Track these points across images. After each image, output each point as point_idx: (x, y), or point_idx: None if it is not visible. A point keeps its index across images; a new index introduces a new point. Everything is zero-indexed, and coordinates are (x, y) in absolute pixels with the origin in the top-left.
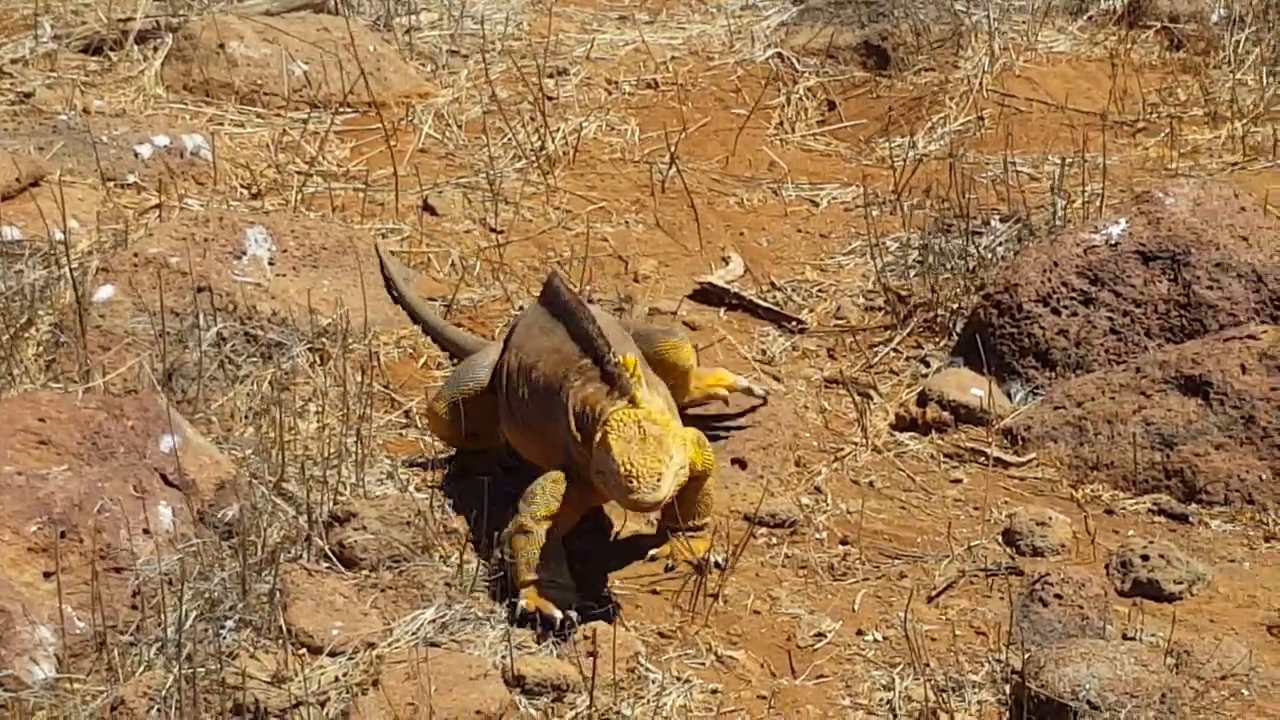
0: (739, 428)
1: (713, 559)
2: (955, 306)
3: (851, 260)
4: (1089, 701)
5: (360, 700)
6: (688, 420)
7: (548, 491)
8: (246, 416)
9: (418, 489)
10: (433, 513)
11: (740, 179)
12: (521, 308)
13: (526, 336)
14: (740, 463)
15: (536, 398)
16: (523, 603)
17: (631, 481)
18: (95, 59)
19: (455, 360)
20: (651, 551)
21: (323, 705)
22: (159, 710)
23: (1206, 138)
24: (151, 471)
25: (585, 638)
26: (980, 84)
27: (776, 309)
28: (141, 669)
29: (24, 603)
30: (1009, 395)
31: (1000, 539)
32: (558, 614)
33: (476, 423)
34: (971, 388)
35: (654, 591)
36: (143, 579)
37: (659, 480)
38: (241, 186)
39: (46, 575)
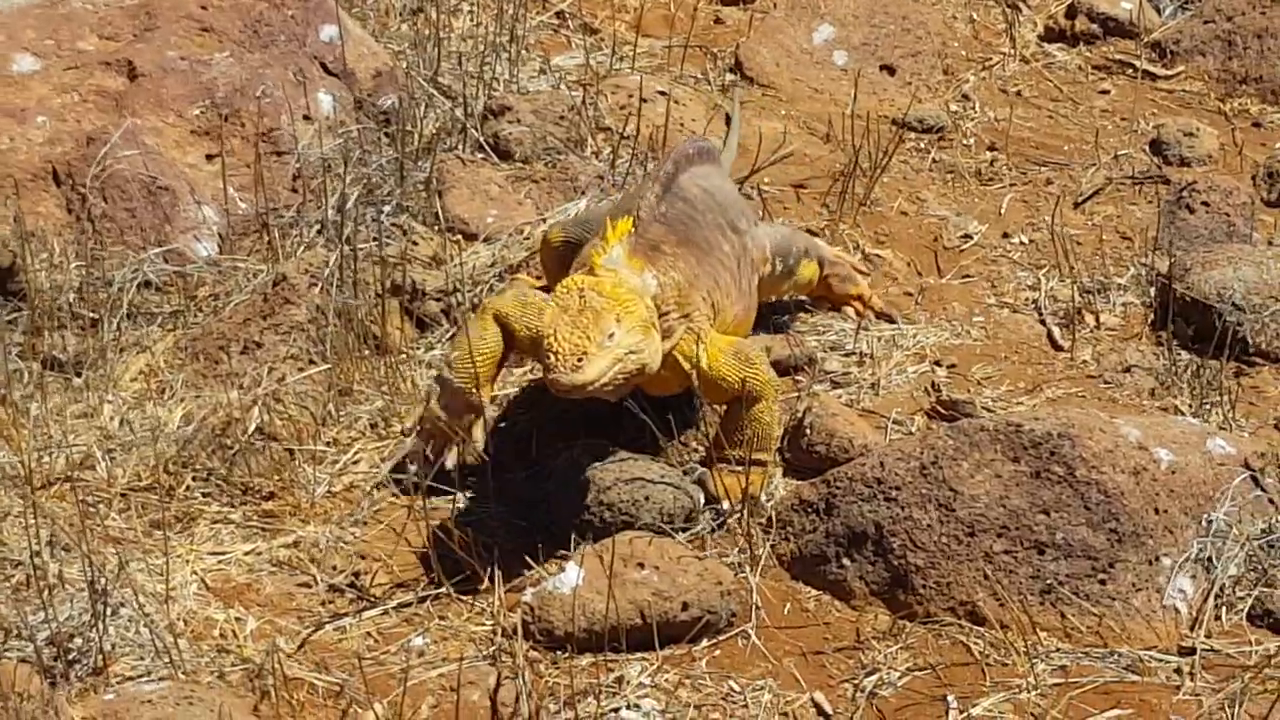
0: None
1: (761, 496)
2: None
3: None
4: (1234, 304)
5: (516, 278)
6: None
7: (516, 294)
8: (401, 13)
9: (570, 87)
10: (586, 109)
11: None
12: None
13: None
14: (889, 69)
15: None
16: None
17: (549, 356)
18: None
19: None
20: (699, 471)
21: (477, 287)
22: (319, 288)
23: None
24: (311, 60)
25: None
26: None
27: None
28: (302, 249)
29: (189, 182)
30: (1158, 9)
31: (1147, 149)
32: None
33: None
34: (1121, 1)
35: (801, 187)
36: (303, 162)
37: (581, 361)
38: None
39: (209, 157)
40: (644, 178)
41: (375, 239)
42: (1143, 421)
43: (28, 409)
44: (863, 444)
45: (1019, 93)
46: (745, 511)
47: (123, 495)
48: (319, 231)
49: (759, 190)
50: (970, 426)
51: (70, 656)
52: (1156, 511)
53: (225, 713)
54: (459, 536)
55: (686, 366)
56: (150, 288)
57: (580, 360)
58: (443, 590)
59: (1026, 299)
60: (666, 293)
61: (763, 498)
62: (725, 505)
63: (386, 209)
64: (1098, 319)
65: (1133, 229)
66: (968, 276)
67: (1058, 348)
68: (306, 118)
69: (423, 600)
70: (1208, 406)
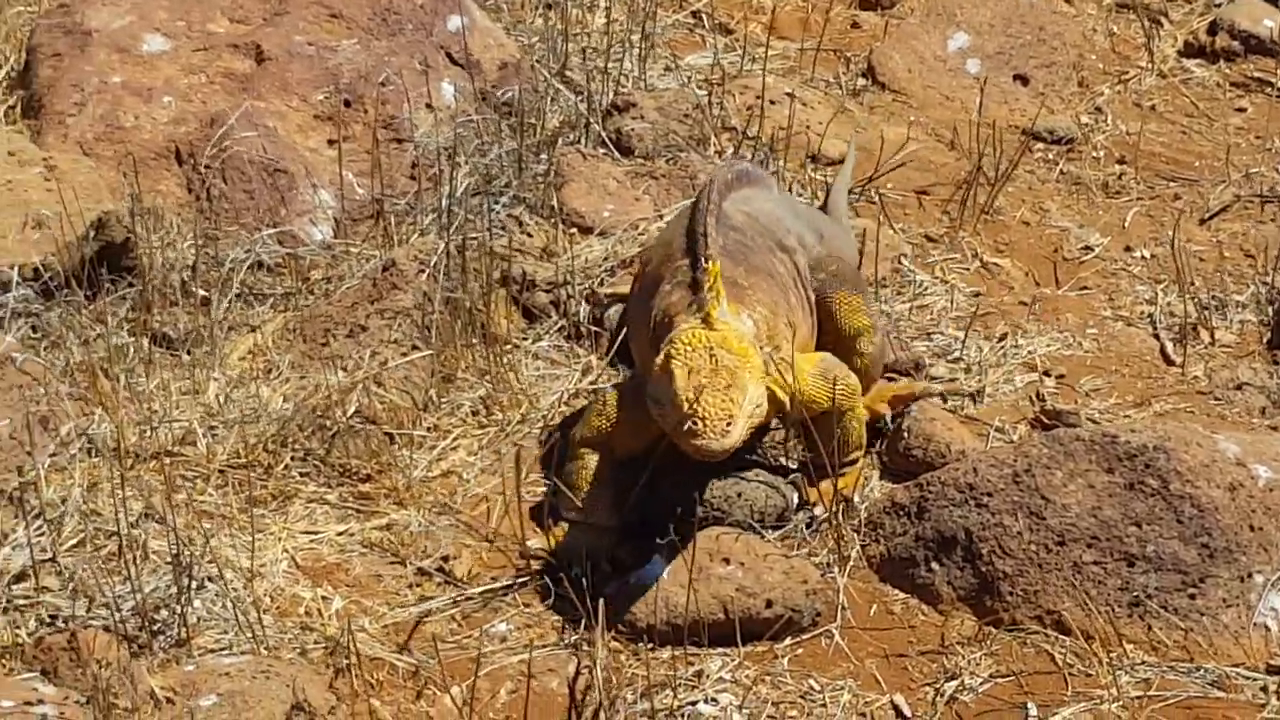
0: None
1: (854, 498)
2: None
3: None
4: None
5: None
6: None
7: (592, 414)
8: (536, 7)
9: (698, 85)
10: (710, 108)
11: None
12: None
13: (671, 224)
14: (1022, 79)
15: (639, 295)
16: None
17: (696, 422)
18: None
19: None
20: (793, 474)
21: (588, 280)
22: (428, 274)
23: None
24: (437, 49)
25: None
26: None
27: None
28: (415, 235)
29: (307, 166)
30: None
31: (1279, 169)
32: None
33: None
34: (1264, 19)
35: (923, 193)
36: (422, 150)
37: (729, 424)
38: None
39: (330, 142)
40: (688, 208)
41: (489, 229)
42: (1243, 438)
43: (132, 383)
44: (959, 449)
45: (1153, 107)
46: (835, 511)
47: (220, 472)
48: (434, 220)
49: (879, 195)
50: (1065, 436)
51: (155, 627)
52: (1251, 528)
53: (299, 687)
54: (549, 526)
55: (781, 395)
56: (263, 269)
57: (729, 424)
58: (529, 579)
59: (1142, 313)
60: (760, 329)
61: (856, 499)
62: (818, 510)
63: (503, 199)
64: (1213, 335)
65: (1257, 247)
66: (1085, 288)
67: (1170, 362)
68: (429, 106)
69: (509, 588)
70: None
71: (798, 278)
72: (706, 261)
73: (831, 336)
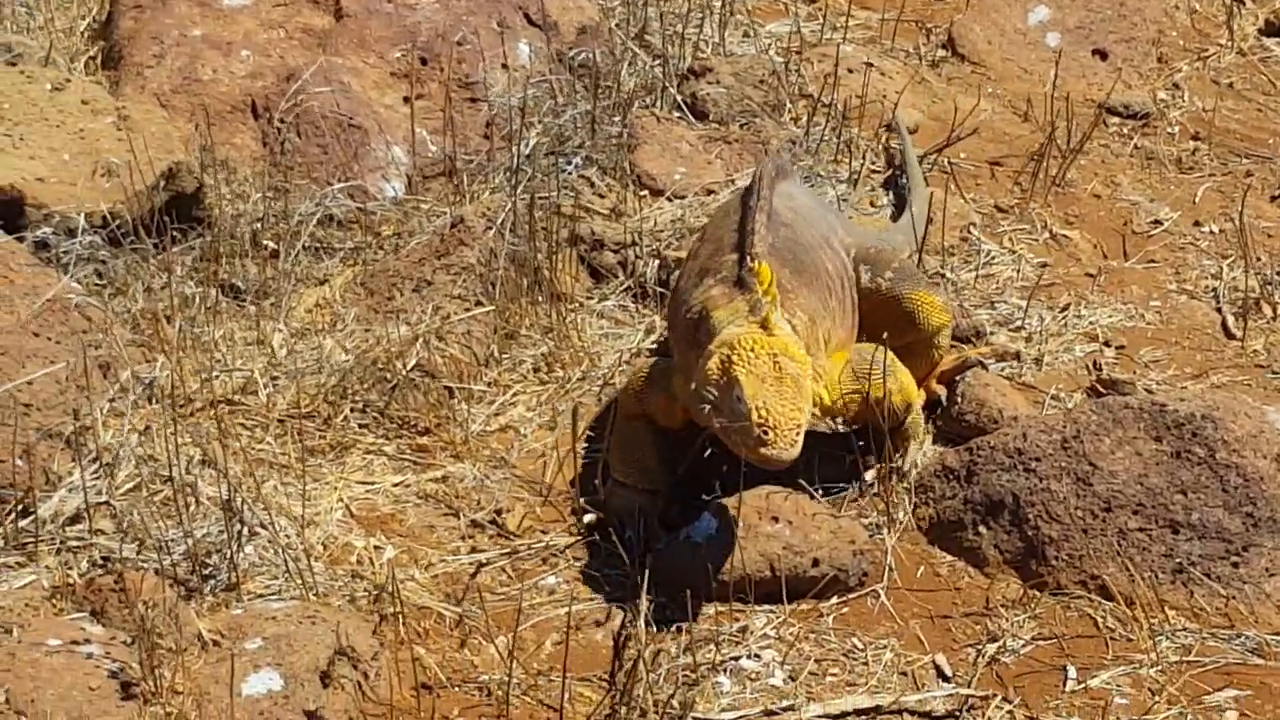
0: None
1: (905, 464)
2: None
3: None
4: None
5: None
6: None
7: (628, 383)
8: None
9: (776, 52)
10: (787, 75)
11: None
12: None
13: (719, 214)
14: (1101, 53)
15: (682, 284)
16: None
17: (767, 432)
18: None
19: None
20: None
21: (656, 242)
22: (495, 231)
23: None
24: (515, 9)
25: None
26: None
27: None
28: (486, 193)
29: (381, 122)
30: None
31: None
32: (590, 515)
33: None
34: None
35: (996, 164)
36: (496, 110)
37: (798, 434)
38: None
39: (405, 100)
40: (733, 201)
41: (558, 188)
42: None
43: (195, 332)
44: (1012, 415)
45: (1231, 84)
46: (885, 473)
47: (280, 421)
48: (506, 178)
49: (951, 164)
50: (1115, 403)
51: (206, 572)
52: None
53: (344, 632)
54: (600, 484)
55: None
56: (334, 223)
57: (798, 434)
58: (580, 534)
59: (1207, 286)
60: (799, 336)
61: (906, 465)
62: (869, 475)
63: (575, 160)
64: (1275, 310)
65: None
66: (1152, 262)
67: (1230, 336)
68: (504, 66)
69: (561, 545)
70: None
71: (845, 275)
72: (752, 260)
73: (910, 333)
